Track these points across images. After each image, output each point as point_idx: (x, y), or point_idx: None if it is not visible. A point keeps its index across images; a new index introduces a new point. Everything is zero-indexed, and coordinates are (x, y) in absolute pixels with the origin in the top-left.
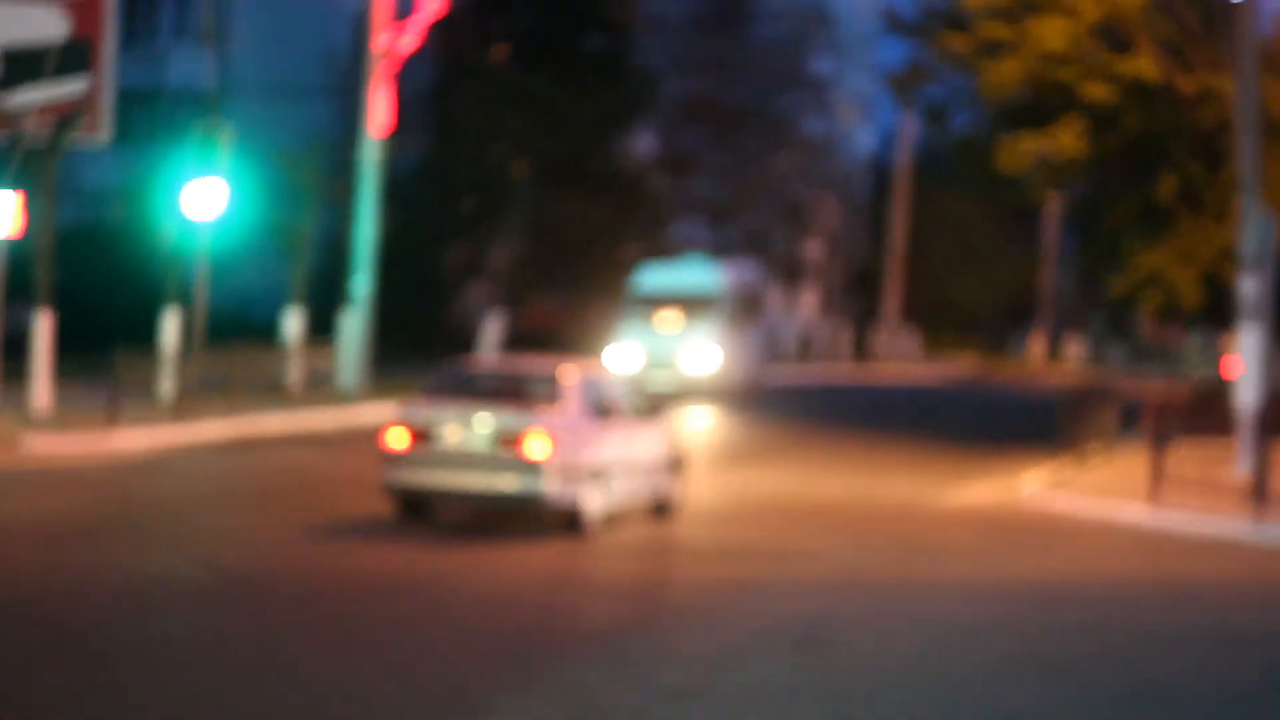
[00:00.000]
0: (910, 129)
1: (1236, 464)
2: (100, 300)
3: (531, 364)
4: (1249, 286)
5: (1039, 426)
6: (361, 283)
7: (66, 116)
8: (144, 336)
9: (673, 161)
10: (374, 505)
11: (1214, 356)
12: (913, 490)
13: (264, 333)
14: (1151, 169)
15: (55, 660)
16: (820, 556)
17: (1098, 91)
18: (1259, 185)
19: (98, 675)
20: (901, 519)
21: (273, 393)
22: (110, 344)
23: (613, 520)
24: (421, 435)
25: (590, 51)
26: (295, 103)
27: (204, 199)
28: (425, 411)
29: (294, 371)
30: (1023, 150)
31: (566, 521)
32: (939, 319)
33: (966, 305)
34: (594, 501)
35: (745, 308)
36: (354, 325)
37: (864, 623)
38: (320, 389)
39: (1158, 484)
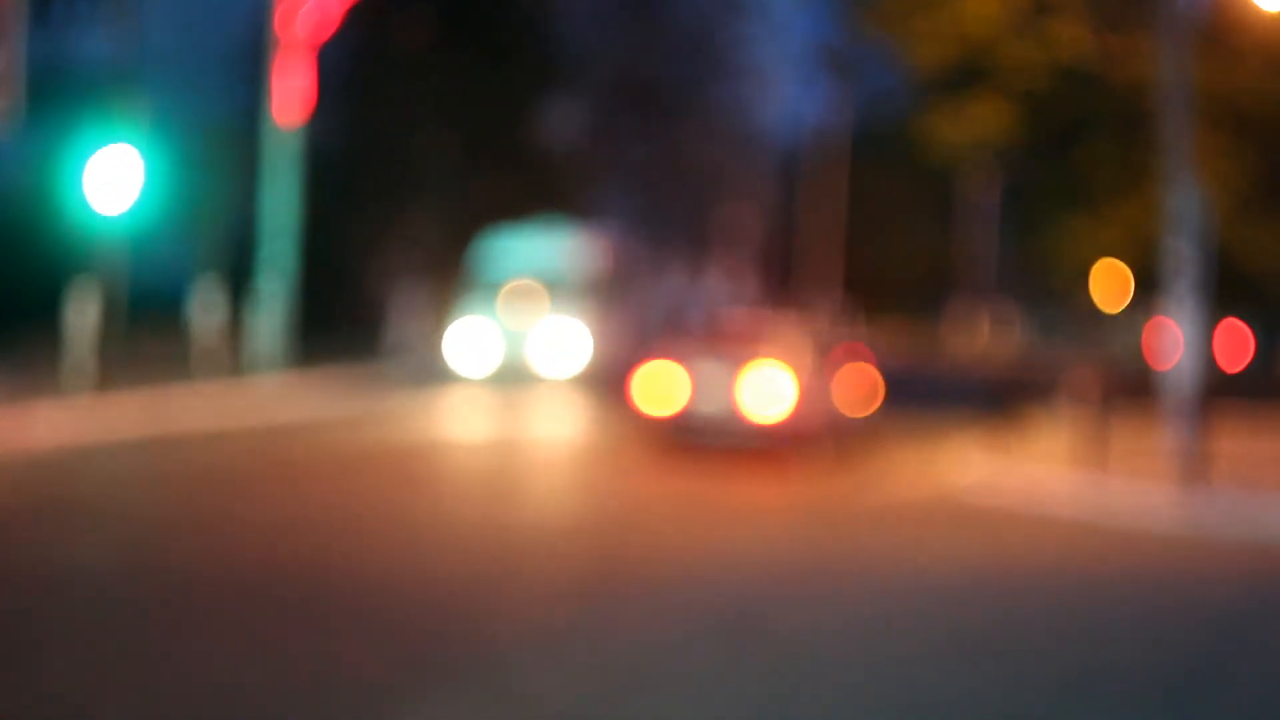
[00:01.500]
0: (845, 100)
1: (1167, 436)
2: (8, 279)
3: (755, 319)
4: (1179, 247)
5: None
6: (274, 253)
7: None
8: (53, 316)
9: (594, 133)
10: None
11: (1135, 330)
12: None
13: (177, 309)
14: (1082, 143)
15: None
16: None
17: (1029, 59)
18: (1187, 156)
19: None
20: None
21: (191, 368)
22: (17, 324)
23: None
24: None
25: (505, 25)
26: (213, 78)
27: (116, 174)
28: (679, 370)
29: (210, 345)
30: (954, 125)
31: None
32: (874, 292)
33: (900, 277)
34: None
35: (621, 287)
36: (270, 297)
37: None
38: (237, 362)
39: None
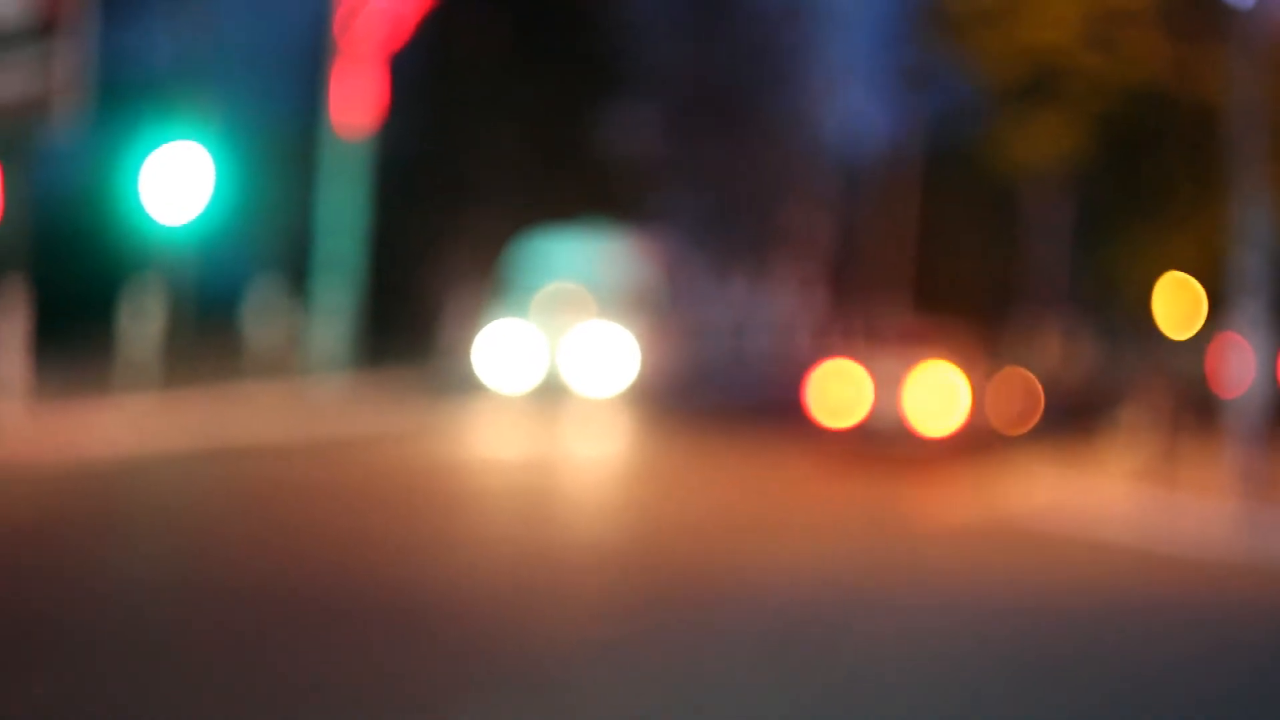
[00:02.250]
0: (917, 110)
1: (1233, 458)
2: (74, 279)
3: (912, 324)
4: (1248, 264)
5: None
6: (335, 256)
7: (38, 103)
8: (116, 318)
9: (661, 140)
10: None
11: (1200, 350)
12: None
13: (238, 312)
14: (1152, 157)
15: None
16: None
17: (1101, 72)
18: (1258, 172)
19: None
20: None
21: (250, 372)
22: (82, 325)
23: None
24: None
25: (572, 30)
26: (279, 80)
27: (180, 175)
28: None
29: (270, 349)
30: (1024, 139)
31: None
32: (942, 305)
33: (969, 291)
34: None
35: (676, 296)
36: (331, 300)
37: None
38: (296, 366)
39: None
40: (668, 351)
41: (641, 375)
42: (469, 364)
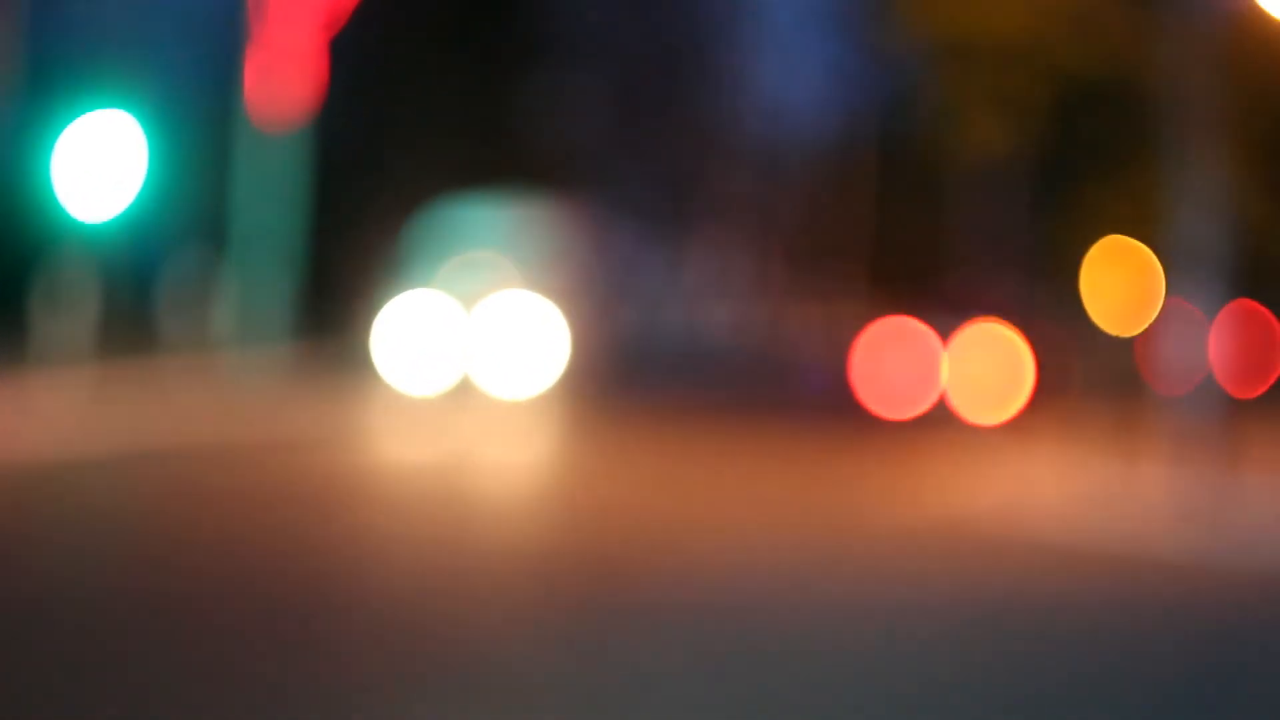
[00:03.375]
0: (865, 76)
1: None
2: None
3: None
4: (1194, 229)
5: None
6: (256, 233)
7: None
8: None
9: (597, 108)
10: None
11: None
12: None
13: (157, 289)
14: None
15: None
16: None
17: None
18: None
19: None
20: None
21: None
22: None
23: None
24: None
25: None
26: (202, 56)
27: (100, 151)
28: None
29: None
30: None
31: None
32: (896, 274)
33: (920, 258)
34: None
35: (601, 273)
36: (251, 276)
37: None
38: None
39: None
40: (598, 329)
41: (566, 356)
42: (374, 345)
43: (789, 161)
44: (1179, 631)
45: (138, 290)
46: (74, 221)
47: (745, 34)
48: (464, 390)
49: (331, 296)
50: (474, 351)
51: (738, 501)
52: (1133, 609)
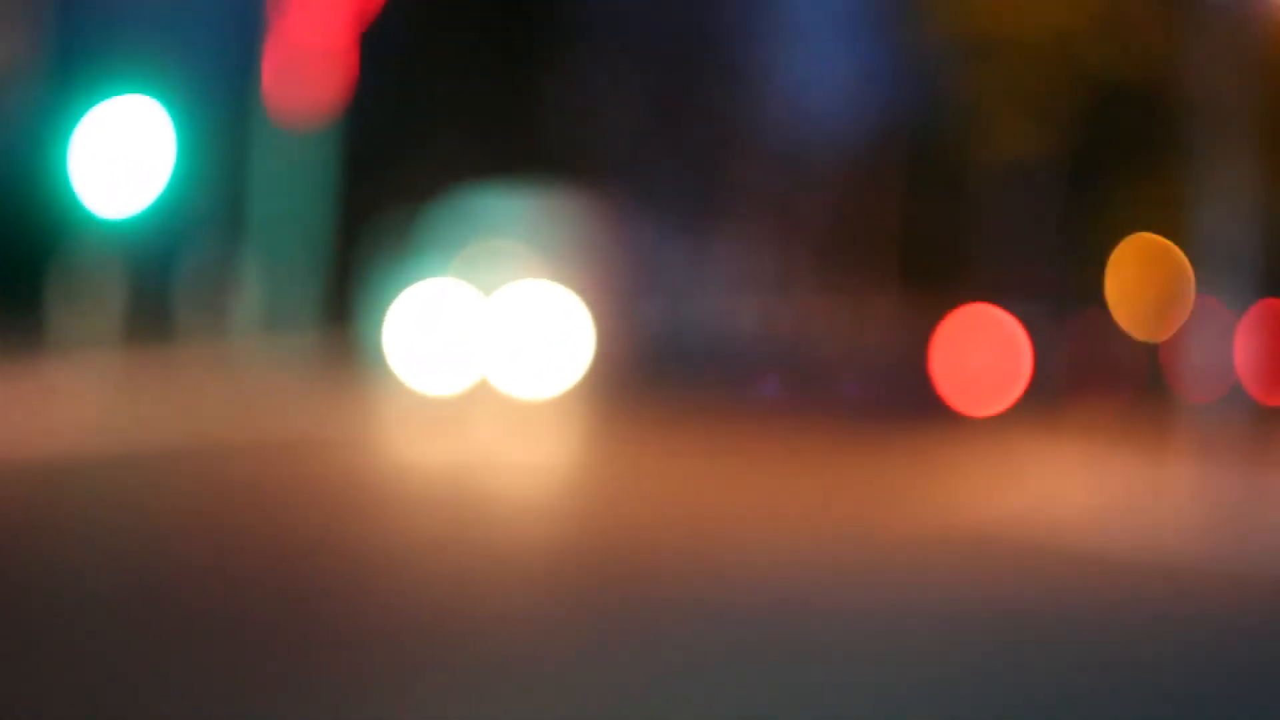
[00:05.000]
0: (889, 73)
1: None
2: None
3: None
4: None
5: None
6: (278, 223)
7: None
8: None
9: (625, 97)
10: None
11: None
12: None
13: (176, 279)
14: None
15: None
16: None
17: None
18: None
19: None
20: None
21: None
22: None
23: None
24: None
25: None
26: (226, 45)
27: (120, 140)
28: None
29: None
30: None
31: None
32: (913, 268)
33: (942, 254)
34: None
35: (627, 267)
36: (271, 267)
37: None
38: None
39: None
40: (622, 324)
41: (588, 353)
42: (390, 339)
43: (816, 157)
44: (1205, 637)
45: (159, 280)
46: (96, 211)
47: (774, 28)
48: (482, 388)
49: (353, 287)
50: (492, 346)
51: (763, 505)
52: (1158, 615)
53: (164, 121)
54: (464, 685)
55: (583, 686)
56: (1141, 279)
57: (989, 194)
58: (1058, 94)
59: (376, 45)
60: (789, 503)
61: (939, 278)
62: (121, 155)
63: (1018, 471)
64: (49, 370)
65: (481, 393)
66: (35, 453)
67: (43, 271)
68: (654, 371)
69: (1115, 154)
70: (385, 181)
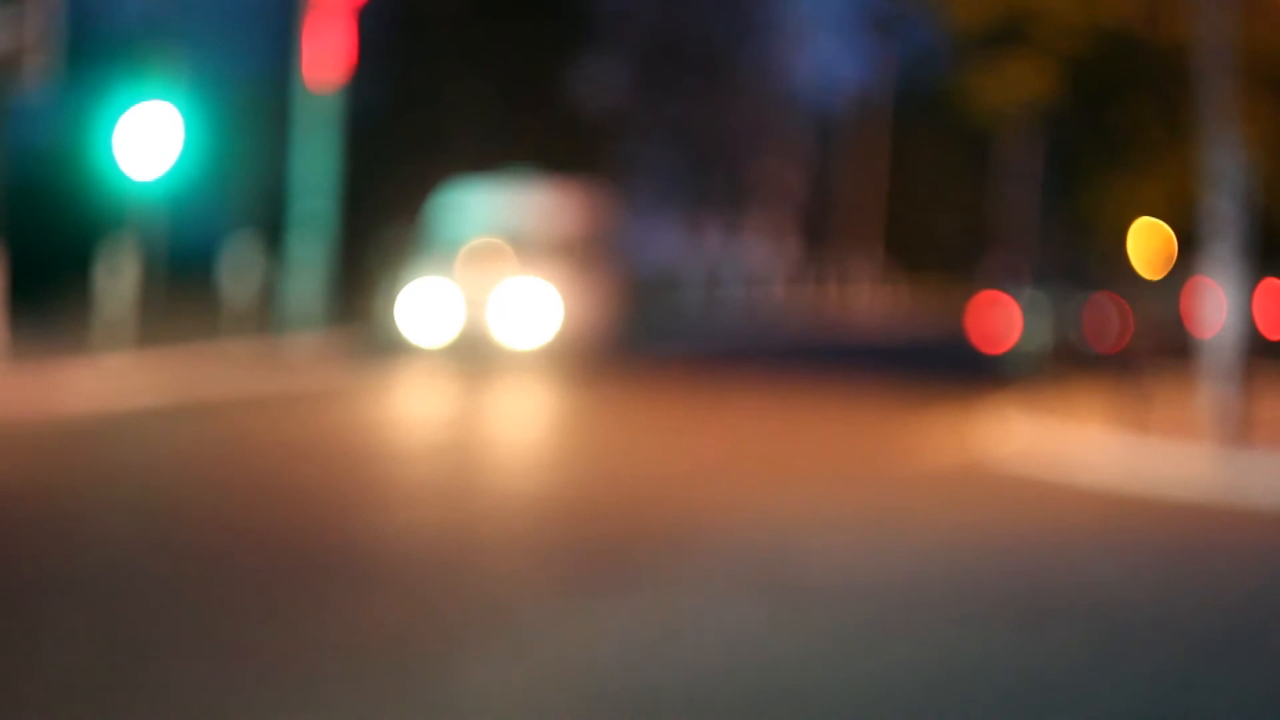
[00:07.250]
0: (886, 59)
1: (1208, 400)
2: (45, 239)
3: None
4: (1220, 207)
5: None
6: (309, 212)
7: (10, 62)
8: (89, 277)
9: (631, 91)
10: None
11: (1175, 293)
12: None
13: (213, 269)
14: (1123, 101)
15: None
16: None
17: (1071, 16)
18: (1228, 115)
19: None
20: None
21: (224, 329)
22: (54, 285)
23: None
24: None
25: None
26: (249, 35)
27: (152, 132)
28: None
29: (244, 306)
30: (994, 85)
31: None
32: (914, 253)
33: (940, 238)
34: None
35: (616, 248)
36: (304, 255)
37: None
38: (271, 322)
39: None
40: (613, 305)
41: (580, 329)
42: (395, 321)
43: (821, 142)
44: (1218, 570)
45: (192, 262)
46: (133, 195)
47: (782, 10)
48: (477, 346)
49: (371, 268)
50: (499, 319)
51: (756, 451)
52: (1168, 548)
53: (194, 110)
54: (481, 631)
55: (602, 625)
56: (1152, 248)
57: (996, 180)
58: (1059, 64)
59: (395, 37)
60: (781, 447)
61: (947, 256)
62: (158, 140)
63: (1027, 416)
64: (93, 348)
65: (488, 356)
66: (91, 413)
67: (89, 249)
68: (662, 346)
69: (1116, 138)
70: (409, 168)
